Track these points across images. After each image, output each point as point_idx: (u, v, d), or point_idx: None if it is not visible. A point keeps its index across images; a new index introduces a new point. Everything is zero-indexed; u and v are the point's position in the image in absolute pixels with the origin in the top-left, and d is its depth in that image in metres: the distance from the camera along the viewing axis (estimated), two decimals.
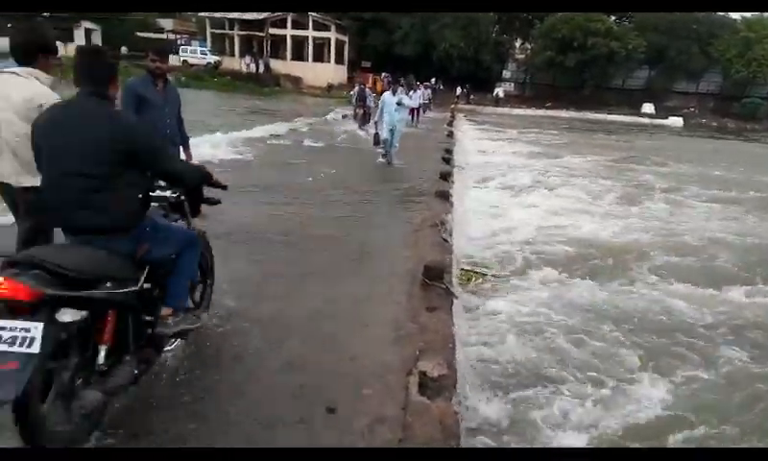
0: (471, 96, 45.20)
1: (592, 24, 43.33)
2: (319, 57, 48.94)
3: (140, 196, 2.67)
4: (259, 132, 14.62)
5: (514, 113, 39.88)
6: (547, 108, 44.10)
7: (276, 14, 49.57)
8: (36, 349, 2.04)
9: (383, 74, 35.68)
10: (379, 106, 11.35)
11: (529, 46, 51.84)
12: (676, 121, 42.58)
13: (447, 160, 11.86)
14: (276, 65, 48.60)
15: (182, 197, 3.04)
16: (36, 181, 2.73)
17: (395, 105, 10.91)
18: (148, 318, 2.77)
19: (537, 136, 25.15)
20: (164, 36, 54.77)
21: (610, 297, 5.87)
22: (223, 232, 5.25)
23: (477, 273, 5.98)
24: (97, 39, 47.72)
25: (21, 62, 3.02)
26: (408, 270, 5.03)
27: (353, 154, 12.88)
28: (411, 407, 2.96)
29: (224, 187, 3.25)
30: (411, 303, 4.34)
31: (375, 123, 11.47)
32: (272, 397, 3.02)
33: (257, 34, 50.35)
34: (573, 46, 44.21)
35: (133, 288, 2.52)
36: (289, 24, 49.57)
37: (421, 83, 28.04)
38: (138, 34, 52.02)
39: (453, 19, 45.23)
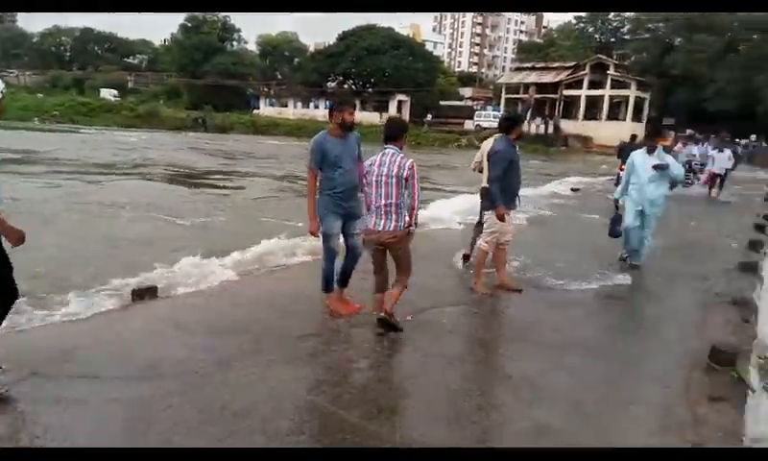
0: None
1: None
2: (614, 115, 46.94)
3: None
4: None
5: None
6: None
7: (571, 76, 49.56)
8: None
9: (687, 131, 32.11)
10: (625, 171, 6.84)
11: None
12: None
13: (762, 228, 9.93)
14: (567, 126, 48.23)
15: None
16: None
17: (649, 172, 6.43)
18: None
19: None
20: (463, 102, 59.78)
21: None
22: None
23: None
24: (407, 109, 54.79)
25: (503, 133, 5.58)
26: (688, 351, 4.34)
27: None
28: None
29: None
30: (687, 388, 3.75)
31: (615, 202, 7.07)
32: None
33: (550, 96, 50.97)
34: None
35: None
36: (585, 84, 48.98)
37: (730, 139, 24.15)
38: (442, 102, 57.99)
39: None
